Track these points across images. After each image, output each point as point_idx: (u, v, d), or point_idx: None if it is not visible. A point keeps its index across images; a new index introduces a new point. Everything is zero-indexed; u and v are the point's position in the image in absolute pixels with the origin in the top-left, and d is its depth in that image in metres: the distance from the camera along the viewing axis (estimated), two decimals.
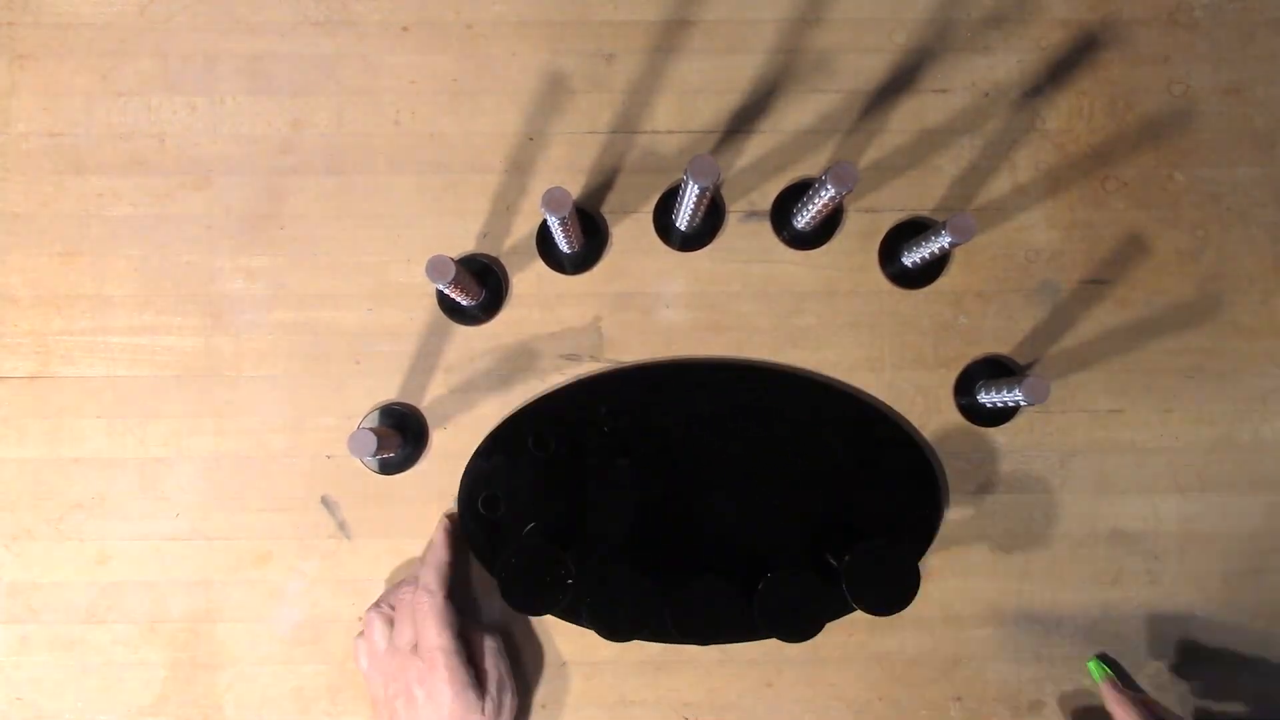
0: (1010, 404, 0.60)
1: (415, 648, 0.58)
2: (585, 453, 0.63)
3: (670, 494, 0.63)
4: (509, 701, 0.59)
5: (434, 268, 0.54)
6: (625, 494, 0.63)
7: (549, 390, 0.64)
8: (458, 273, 0.55)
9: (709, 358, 0.64)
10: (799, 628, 0.56)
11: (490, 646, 0.60)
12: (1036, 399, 0.55)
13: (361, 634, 0.61)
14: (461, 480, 0.63)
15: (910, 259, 0.62)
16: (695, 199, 0.54)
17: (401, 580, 0.62)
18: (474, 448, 0.64)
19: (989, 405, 0.62)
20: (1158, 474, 0.64)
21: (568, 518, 0.63)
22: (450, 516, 0.63)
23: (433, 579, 0.59)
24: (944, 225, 0.55)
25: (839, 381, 0.64)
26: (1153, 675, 0.64)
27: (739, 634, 0.63)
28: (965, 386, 0.64)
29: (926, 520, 0.63)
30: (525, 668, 0.64)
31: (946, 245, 0.56)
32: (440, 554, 0.61)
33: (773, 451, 0.63)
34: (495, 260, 0.65)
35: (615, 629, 0.56)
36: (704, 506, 0.63)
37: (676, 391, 0.63)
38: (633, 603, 0.56)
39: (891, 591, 0.56)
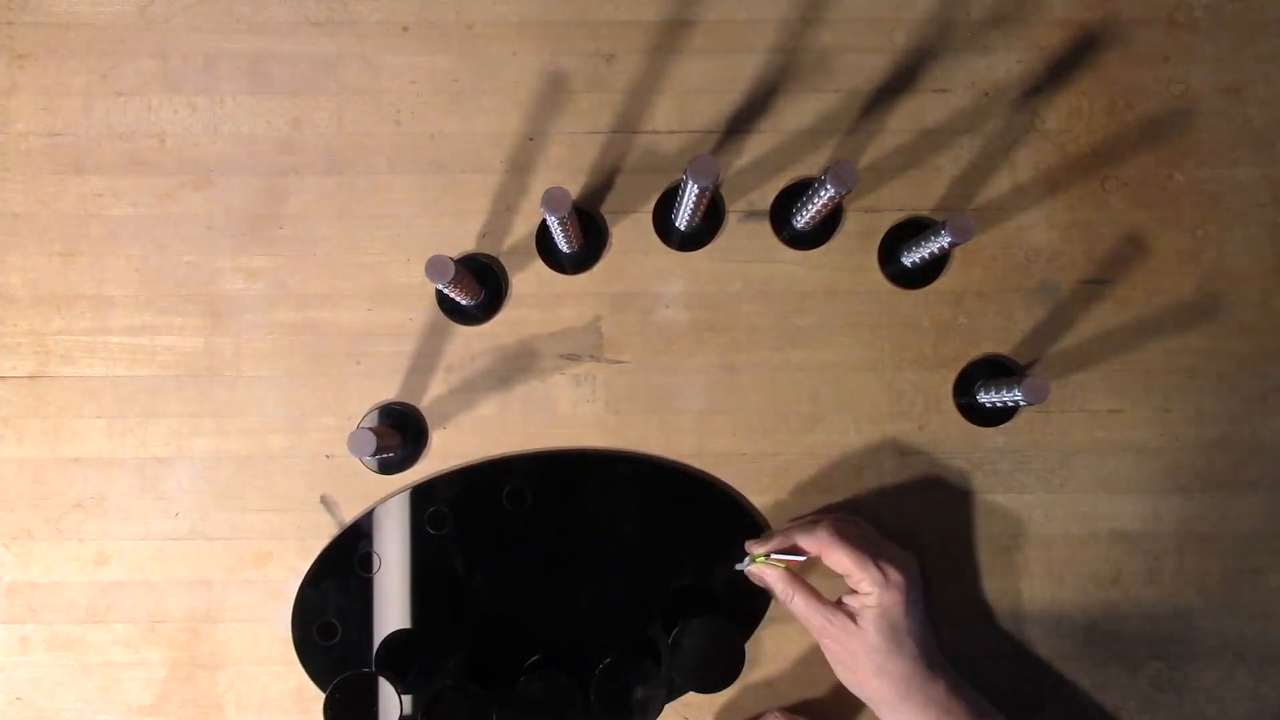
0: (1010, 404, 0.60)
1: None
2: (414, 563, 0.63)
3: (508, 590, 0.63)
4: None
5: (433, 267, 0.54)
6: (463, 598, 0.63)
7: (374, 505, 0.63)
8: (457, 272, 0.55)
9: (530, 452, 0.64)
10: (633, 712, 0.57)
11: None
12: (1036, 399, 0.55)
13: None
14: (293, 611, 0.63)
15: (910, 259, 0.62)
16: (695, 198, 0.54)
17: None
18: (473, 448, 0.64)
19: (989, 405, 0.62)
20: (1157, 474, 0.65)
21: (408, 633, 0.63)
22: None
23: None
24: (943, 225, 0.55)
25: (671, 461, 0.64)
26: (1152, 675, 0.64)
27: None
28: (965, 386, 0.64)
29: (754, 605, 0.64)
30: None
31: (946, 245, 0.56)
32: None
33: (612, 537, 0.63)
34: (495, 260, 0.65)
35: None
36: (547, 599, 0.63)
37: (497, 488, 0.63)
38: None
39: (716, 668, 0.58)
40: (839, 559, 0.56)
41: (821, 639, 0.58)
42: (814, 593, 0.58)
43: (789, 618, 0.63)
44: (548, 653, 0.62)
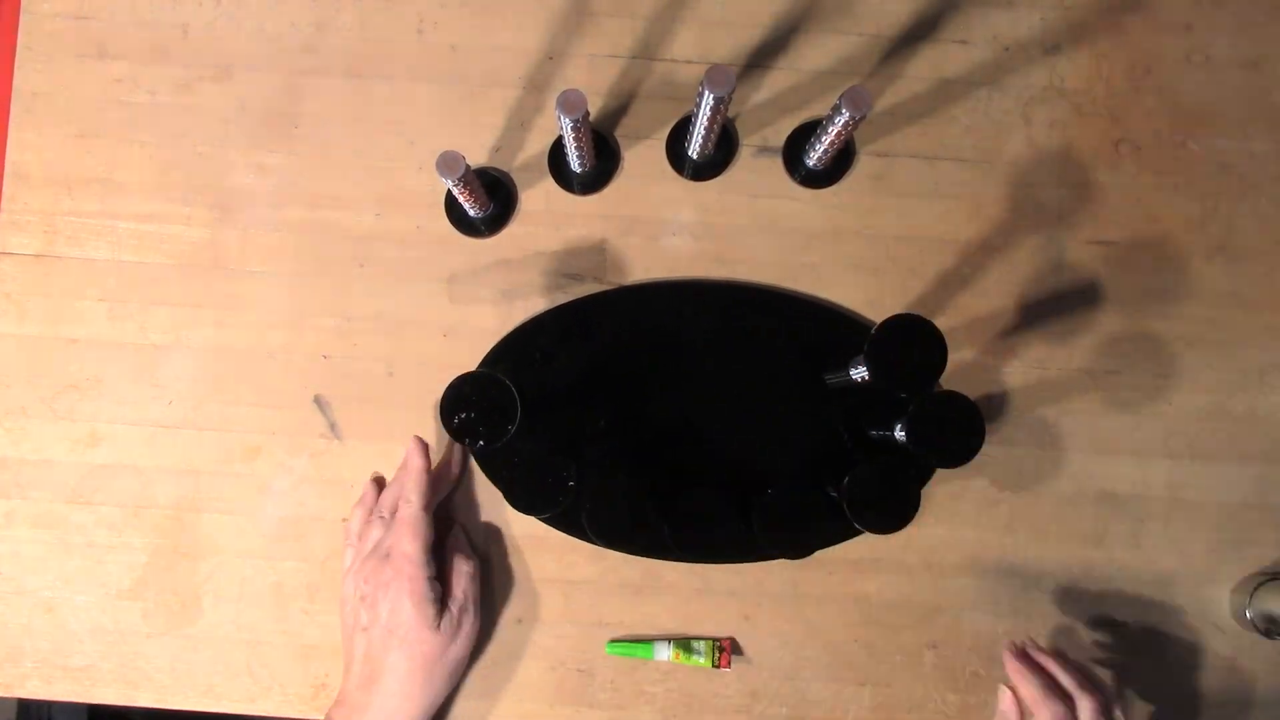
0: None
1: (389, 554, 0.58)
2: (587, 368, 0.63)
3: (672, 413, 0.63)
4: (469, 626, 0.59)
5: (444, 162, 0.54)
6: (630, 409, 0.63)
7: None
8: (466, 170, 0.55)
9: (717, 279, 0.64)
10: (796, 544, 0.57)
11: (463, 569, 0.60)
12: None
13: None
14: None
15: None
16: (710, 111, 0.54)
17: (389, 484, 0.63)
18: (472, 360, 0.64)
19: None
20: (1150, 438, 0.64)
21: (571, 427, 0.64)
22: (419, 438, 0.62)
23: (412, 488, 0.59)
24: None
25: (850, 310, 0.65)
26: (1129, 638, 0.64)
27: (733, 551, 0.63)
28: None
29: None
30: (506, 580, 0.64)
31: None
32: (416, 461, 0.60)
33: (779, 375, 0.63)
34: (506, 175, 0.65)
35: (612, 533, 0.56)
36: (705, 427, 0.63)
37: (677, 311, 0.64)
38: (631, 509, 0.56)
39: (891, 511, 0.56)
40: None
41: None
42: None
43: None
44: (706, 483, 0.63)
